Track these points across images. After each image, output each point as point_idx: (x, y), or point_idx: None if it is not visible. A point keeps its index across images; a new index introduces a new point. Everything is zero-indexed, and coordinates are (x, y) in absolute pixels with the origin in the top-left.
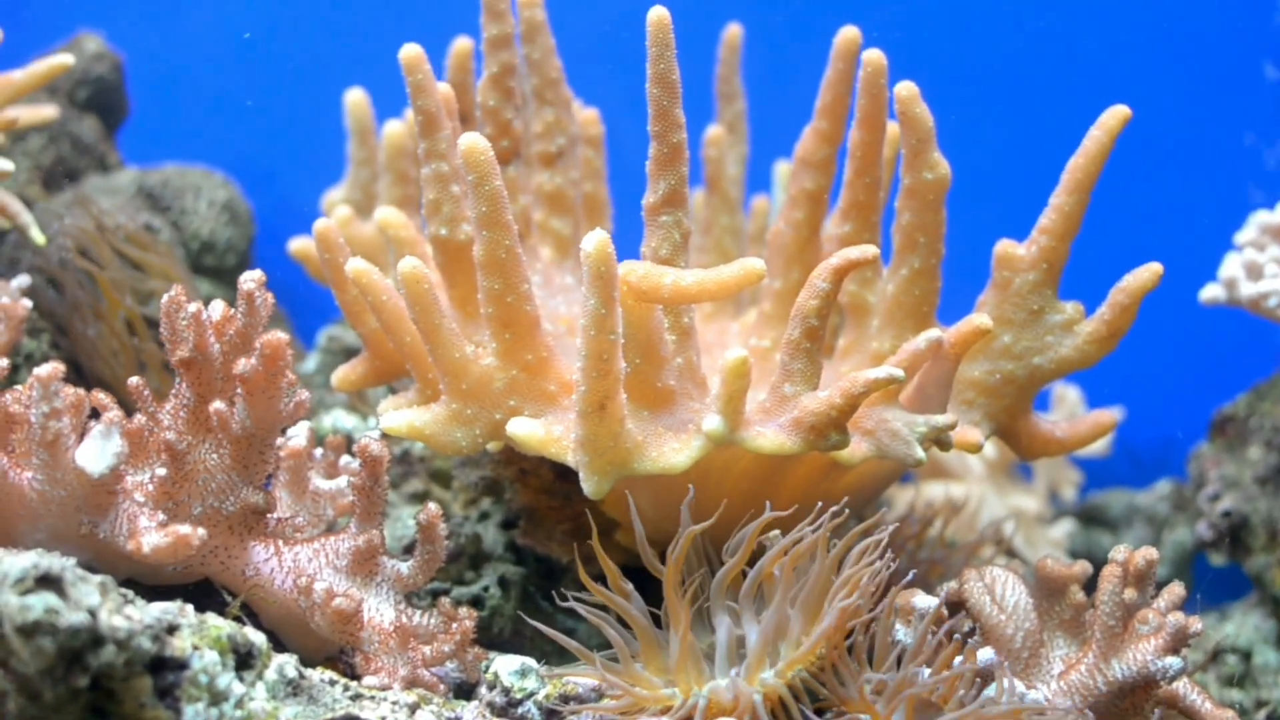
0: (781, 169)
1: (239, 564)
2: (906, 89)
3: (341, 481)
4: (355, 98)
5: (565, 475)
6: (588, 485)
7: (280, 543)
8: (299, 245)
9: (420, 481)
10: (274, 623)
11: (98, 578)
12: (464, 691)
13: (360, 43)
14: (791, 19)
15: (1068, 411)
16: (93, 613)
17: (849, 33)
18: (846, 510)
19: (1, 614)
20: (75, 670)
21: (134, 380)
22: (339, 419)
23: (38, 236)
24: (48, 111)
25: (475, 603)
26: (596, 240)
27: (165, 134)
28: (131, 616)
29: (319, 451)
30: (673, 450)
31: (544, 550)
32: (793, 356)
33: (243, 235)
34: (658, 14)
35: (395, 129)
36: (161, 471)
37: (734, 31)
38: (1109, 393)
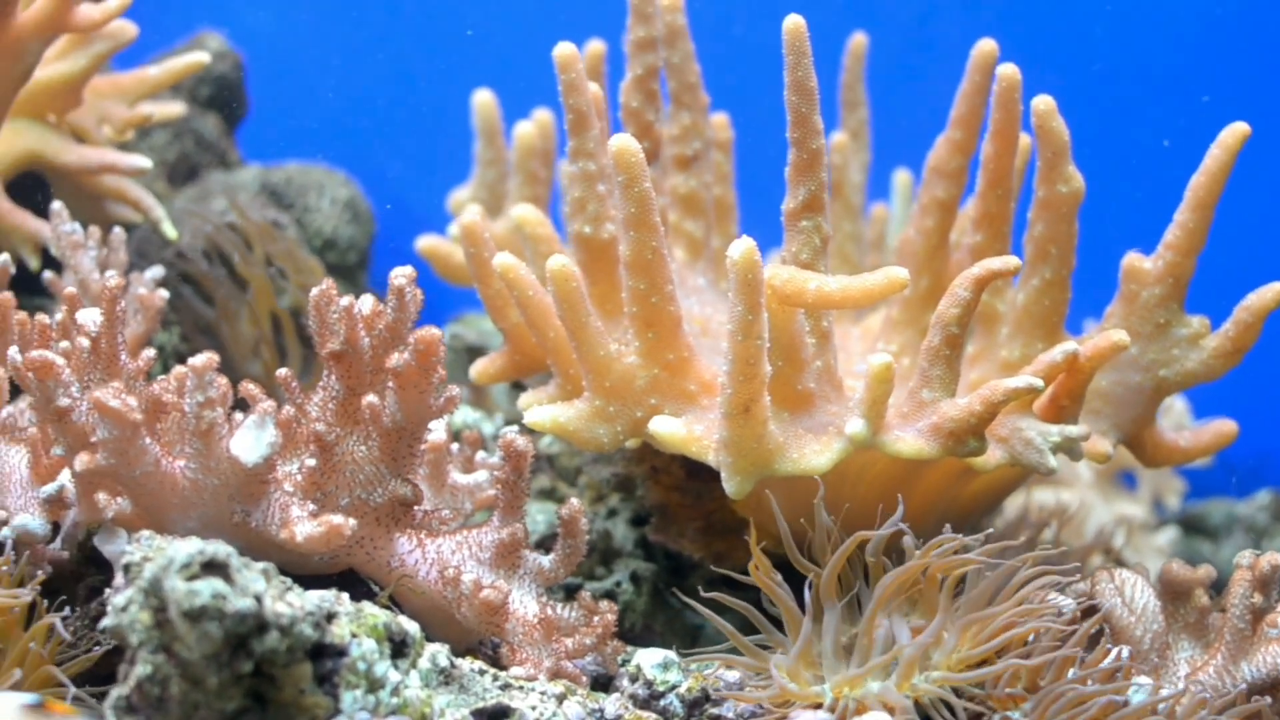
0: (900, 178)
1: (384, 555)
2: (1044, 103)
3: (480, 475)
4: (484, 99)
5: (696, 473)
6: (730, 485)
7: (423, 535)
8: (427, 243)
9: (547, 478)
10: (416, 613)
11: (260, 564)
12: (600, 684)
13: (474, 45)
14: (903, 30)
15: (1174, 421)
16: (258, 599)
17: (986, 45)
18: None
19: (168, 598)
20: (240, 656)
21: (283, 371)
22: (466, 414)
23: (169, 231)
24: (175, 108)
25: (608, 598)
26: (744, 248)
27: (283, 132)
28: (293, 603)
29: (455, 446)
30: (814, 452)
31: (675, 547)
32: (932, 363)
33: (364, 233)
34: (793, 22)
35: (526, 130)
36: (310, 462)
37: (859, 40)
38: (1209, 404)
